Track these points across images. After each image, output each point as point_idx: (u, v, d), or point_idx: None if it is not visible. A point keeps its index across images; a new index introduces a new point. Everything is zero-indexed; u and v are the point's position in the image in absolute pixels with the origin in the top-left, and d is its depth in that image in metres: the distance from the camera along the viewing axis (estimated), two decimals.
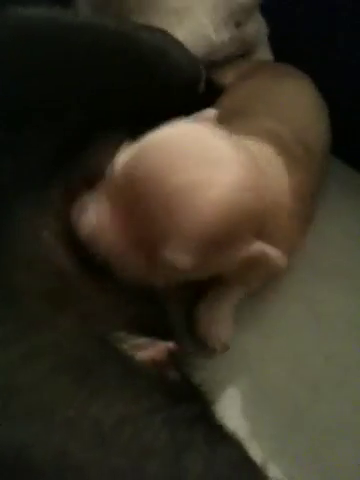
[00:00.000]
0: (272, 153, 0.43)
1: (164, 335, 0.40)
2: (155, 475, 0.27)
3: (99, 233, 0.35)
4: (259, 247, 0.37)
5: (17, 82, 0.36)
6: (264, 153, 0.42)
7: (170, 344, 0.39)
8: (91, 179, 0.38)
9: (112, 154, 0.37)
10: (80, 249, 0.36)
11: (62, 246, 0.37)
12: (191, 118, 0.39)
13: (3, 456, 0.26)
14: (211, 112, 0.39)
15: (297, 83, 0.55)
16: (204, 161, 0.34)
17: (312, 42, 0.59)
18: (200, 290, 0.49)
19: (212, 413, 0.36)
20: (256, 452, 0.34)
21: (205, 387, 0.39)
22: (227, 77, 0.57)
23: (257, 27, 0.58)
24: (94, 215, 0.36)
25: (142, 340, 0.38)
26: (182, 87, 0.37)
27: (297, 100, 0.53)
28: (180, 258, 0.34)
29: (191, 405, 0.34)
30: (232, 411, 0.39)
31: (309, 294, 0.52)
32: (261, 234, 0.38)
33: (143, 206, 0.34)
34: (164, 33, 0.43)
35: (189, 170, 0.33)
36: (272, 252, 0.38)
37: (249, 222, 0.36)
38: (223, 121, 0.46)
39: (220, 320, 0.48)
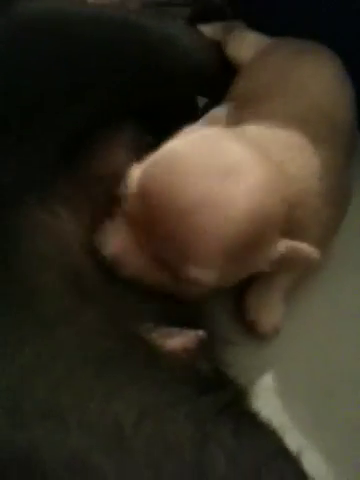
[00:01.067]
0: (295, 136, 0.41)
1: (194, 326, 0.39)
2: (176, 474, 0.27)
3: (121, 258, 0.35)
4: (287, 245, 0.36)
5: (22, 76, 0.35)
6: (285, 139, 0.40)
7: (200, 332, 0.38)
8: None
9: (119, 150, 0.36)
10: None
11: (79, 244, 0.37)
12: (200, 122, 0.38)
13: (13, 458, 0.25)
14: (220, 112, 0.38)
15: (319, 58, 0.52)
16: (218, 171, 0.33)
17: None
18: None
19: (244, 402, 0.35)
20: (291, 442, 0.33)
21: (238, 378, 0.38)
22: (243, 55, 0.55)
23: None
24: (115, 240, 0.36)
25: (172, 329, 0.37)
26: (190, 74, 0.36)
27: (319, 76, 0.50)
28: (204, 274, 0.34)
29: (221, 395, 0.33)
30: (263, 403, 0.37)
31: (333, 290, 0.50)
32: (289, 227, 0.36)
33: (160, 225, 0.33)
34: (174, 19, 0.42)
35: (203, 183, 0.32)
36: (301, 247, 0.37)
37: (272, 225, 0.35)
38: (240, 104, 0.45)
39: (271, 304, 0.47)
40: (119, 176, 0.37)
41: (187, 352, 0.36)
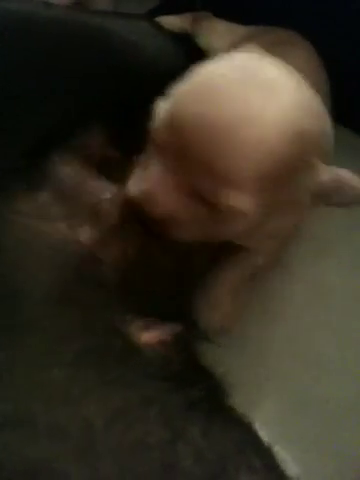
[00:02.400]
0: None
1: (174, 317, 0.39)
2: (145, 474, 0.27)
3: (151, 196, 0.33)
4: (332, 173, 0.33)
5: None
6: None
7: (177, 326, 0.38)
8: None
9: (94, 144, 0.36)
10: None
11: (55, 238, 0.36)
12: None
13: None
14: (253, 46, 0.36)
15: (295, 47, 0.52)
16: (257, 90, 0.31)
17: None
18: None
19: (218, 397, 0.36)
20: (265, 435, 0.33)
21: (214, 369, 0.39)
22: (217, 45, 0.54)
23: None
24: (144, 178, 0.33)
25: (149, 320, 0.37)
26: (158, 78, 0.35)
27: (296, 64, 0.50)
28: (242, 200, 0.31)
29: (193, 391, 0.33)
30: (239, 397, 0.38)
31: (311, 271, 0.50)
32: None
33: (193, 152, 0.30)
34: (142, 23, 0.42)
35: (238, 101, 0.30)
36: (348, 176, 0.33)
37: (312, 146, 0.32)
38: None
39: (214, 302, 0.45)
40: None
41: (163, 345, 0.37)
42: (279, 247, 0.47)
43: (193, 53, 0.51)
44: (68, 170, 0.38)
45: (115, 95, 0.39)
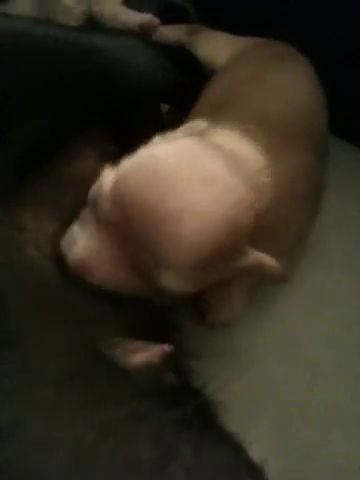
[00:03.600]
0: (271, 140, 0.41)
1: (161, 338, 0.38)
2: None
3: (91, 264, 0.34)
4: (255, 257, 0.36)
5: None
6: (261, 145, 0.40)
7: (165, 346, 0.37)
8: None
9: (84, 159, 0.35)
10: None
11: (43, 256, 0.36)
12: (180, 131, 0.38)
13: None
14: (202, 124, 0.38)
15: (294, 63, 0.52)
16: (194, 183, 0.33)
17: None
18: None
19: (208, 415, 0.35)
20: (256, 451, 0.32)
21: (205, 388, 0.38)
22: (217, 57, 0.54)
23: None
24: (84, 246, 0.34)
25: (137, 343, 0.37)
26: (147, 91, 0.35)
27: (295, 79, 0.50)
28: (176, 281, 0.33)
29: (183, 409, 0.33)
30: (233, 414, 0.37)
31: (304, 276, 0.50)
32: (259, 234, 0.36)
33: (134, 232, 0.32)
34: (132, 40, 0.41)
35: (179, 194, 0.32)
36: (267, 261, 0.37)
37: (243, 235, 0.35)
38: (215, 106, 0.45)
39: (226, 296, 0.47)
40: (85, 183, 0.37)
41: (151, 367, 0.36)
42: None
43: (188, 66, 0.51)
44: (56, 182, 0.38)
45: (105, 107, 0.39)
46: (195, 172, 0.33)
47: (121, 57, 0.40)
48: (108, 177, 0.34)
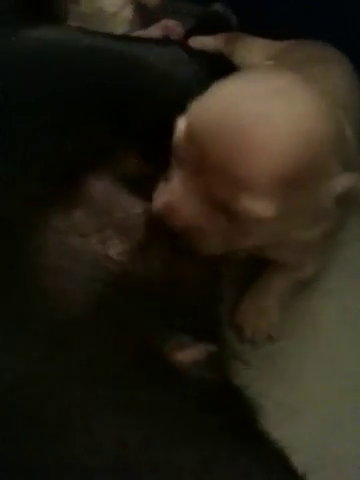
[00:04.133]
0: None
1: (207, 337, 0.39)
2: None
3: (173, 207, 0.34)
4: (351, 179, 0.33)
5: (26, 104, 0.36)
6: None
7: (211, 346, 0.38)
8: None
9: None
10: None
11: (97, 257, 0.36)
12: None
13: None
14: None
15: (331, 59, 0.51)
16: (268, 94, 0.32)
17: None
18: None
19: (250, 419, 0.35)
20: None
21: (246, 390, 0.38)
22: (253, 62, 0.54)
23: None
24: (167, 191, 0.35)
25: (184, 340, 0.37)
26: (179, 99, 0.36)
27: (332, 74, 0.49)
28: (260, 205, 0.31)
29: (227, 412, 0.33)
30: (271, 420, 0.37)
31: (345, 293, 0.49)
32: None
33: (211, 162, 0.31)
34: (175, 50, 0.42)
35: (254, 107, 0.31)
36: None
37: (329, 151, 0.32)
38: None
39: (262, 309, 0.46)
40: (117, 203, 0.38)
41: (197, 365, 0.36)
42: (318, 259, 0.46)
43: (227, 73, 0.51)
44: (102, 187, 0.38)
45: (148, 118, 0.39)
46: (264, 90, 0.32)
47: (165, 68, 0.40)
48: (181, 121, 0.34)
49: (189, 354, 0.36)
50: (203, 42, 0.56)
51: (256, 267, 0.47)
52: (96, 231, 0.37)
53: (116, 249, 0.37)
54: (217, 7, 0.60)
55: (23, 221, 0.35)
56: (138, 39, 0.47)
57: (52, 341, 0.32)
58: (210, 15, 0.60)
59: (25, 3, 0.42)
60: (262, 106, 0.31)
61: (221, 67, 0.52)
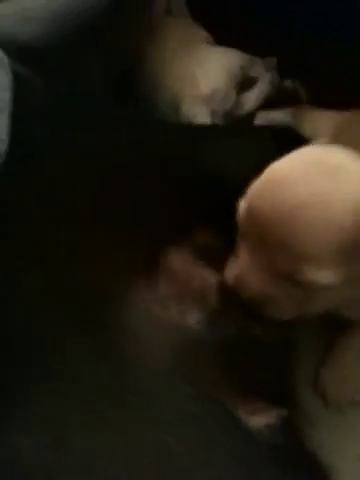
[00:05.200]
0: None
1: (280, 400, 0.40)
2: None
3: (242, 280, 0.37)
4: None
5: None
6: None
7: (283, 410, 0.39)
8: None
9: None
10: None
11: (175, 318, 0.40)
12: None
13: None
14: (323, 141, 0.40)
15: None
16: (322, 172, 0.34)
17: None
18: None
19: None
20: None
21: (321, 452, 0.39)
22: (321, 135, 0.57)
23: None
24: (235, 266, 0.38)
25: (257, 405, 0.39)
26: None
27: None
28: (322, 274, 0.34)
29: (301, 474, 0.34)
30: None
31: None
32: None
33: (271, 236, 0.34)
34: (240, 139, 0.46)
35: (304, 186, 0.33)
36: None
37: None
38: None
39: (344, 373, 0.47)
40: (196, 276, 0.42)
41: (270, 429, 0.38)
42: None
43: (296, 146, 0.55)
44: (180, 260, 0.42)
45: (219, 199, 0.43)
46: (316, 166, 0.34)
47: (220, 164, 0.45)
48: (242, 202, 0.37)
49: (262, 418, 0.38)
50: (270, 117, 0.60)
51: (335, 328, 0.48)
52: (176, 301, 0.41)
53: (194, 318, 0.40)
54: (287, 83, 0.64)
55: (113, 290, 0.39)
56: (205, 131, 0.51)
57: (128, 389, 0.36)
58: (279, 90, 0.64)
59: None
60: (313, 186, 0.33)
61: (289, 141, 0.55)
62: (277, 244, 0.34)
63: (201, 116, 0.59)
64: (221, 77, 0.61)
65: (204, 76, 0.61)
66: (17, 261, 0.37)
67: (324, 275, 0.34)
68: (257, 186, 0.36)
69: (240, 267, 0.38)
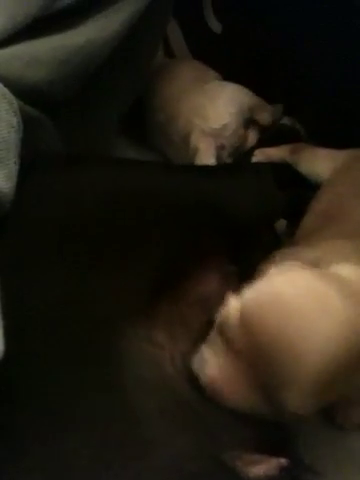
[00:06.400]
0: None
1: (279, 451, 0.40)
2: None
3: (222, 387, 0.37)
4: None
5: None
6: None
7: (282, 460, 0.39)
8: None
9: (208, 279, 0.40)
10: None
11: (176, 371, 0.40)
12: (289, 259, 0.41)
13: None
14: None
15: None
16: (313, 313, 0.35)
17: None
18: None
19: None
20: None
21: None
22: (319, 172, 0.57)
23: None
24: (214, 368, 0.37)
25: (256, 456, 0.38)
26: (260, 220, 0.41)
27: None
28: (298, 402, 0.35)
29: None
30: None
31: None
32: None
33: (260, 357, 0.35)
34: (243, 178, 0.47)
35: (300, 318, 0.35)
36: None
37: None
38: (323, 221, 0.48)
39: (354, 397, 0.46)
40: (210, 304, 0.41)
41: (270, 479, 0.38)
42: None
43: (293, 182, 0.56)
44: (182, 301, 0.43)
45: (223, 236, 0.44)
46: (313, 304, 0.36)
47: (235, 199, 0.45)
48: (233, 305, 0.37)
49: (262, 469, 0.38)
50: (268, 153, 0.60)
51: None
52: (172, 342, 0.41)
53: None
54: (285, 120, 0.65)
55: (113, 326, 0.39)
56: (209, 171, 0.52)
57: (138, 444, 0.35)
58: (279, 128, 0.65)
59: None
60: (309, 321, 0.35)
61: (288, 177, 0.56)
62: (266, 365, 0.35)
63: (207, 149, 0.60)
64: (231, 113, 0.62)
65: (214, 111, 0.62)
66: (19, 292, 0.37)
67: (301, 402, 0.35)
68: (255, 300, 0.37)
69: (220, 370, 0.37)
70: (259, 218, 0.41)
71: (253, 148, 0.62)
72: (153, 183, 0.44)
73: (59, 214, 0.41)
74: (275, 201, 0.48)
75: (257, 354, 0.35)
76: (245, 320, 0.36)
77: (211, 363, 0.38)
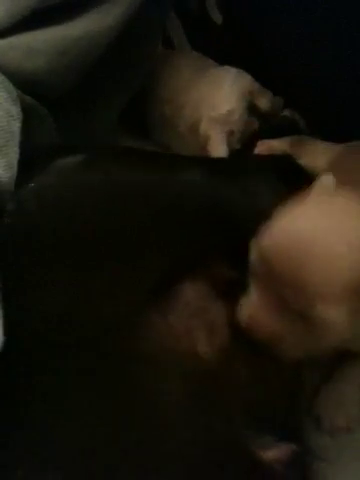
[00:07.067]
0: None
1: (290, 435, 0.41)
2: None
3: (255, 320, 0.39)
4: None
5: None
6: None
7: (294, 446, 0.40)
8: None
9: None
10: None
11: (195, 353, 0.41)
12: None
13: None
14: (329, 179, 0.40)
15: None
16: (329, 221, 0.36)
17: None
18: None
19: None
20: None
21: None
22: (319, 164, 0.58)
23: None
24: (248, 306, 0.39)
25: (268, 439, 0.39)
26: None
27: None
28: (333, 312, 0.35)
29: None
30: None
31: None
32: None
33: (284, 278, 0.36)
34: (252, 183, 0.47)
35: (317, 233, 0.35)
36: None
37: None
38: None
39: (341, 400, 0.47)
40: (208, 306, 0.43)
41: (279, 463, 0.39)
42: None
43: (296, 175, 0.55)
44: (194, 293, 0.43)
45: (233, 233, 0.44)
46: (328, 216, 0.37)
47: (250, 209, 0.45)
48: (255, 243, 0.38)
49: (272, 453, 0.39)
50: (270, 145, 0.60)
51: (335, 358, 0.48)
52: (186, 331, 0.41)
53: (203, 348, 0.41)
54: (286, 112, 0.65)
55: (128, 321, 0.40)
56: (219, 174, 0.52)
57: (157, 427, 0.36)
58: (279, 120, 0.66)
59: None
60: (326, 231, 0.35)
61: (290, 170, 0.56)
62: (289, 284, 0.36)
63: (217, 136, 0.61)
64: (237, 97, 0.63)
65: (221, 97, 0.63)
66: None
67: (334, 312, 0.35)
68: (269, 230, 0.38)
69: (252, 307, 0.39)
70: (259, 218, 0.41)
71: (254, 139, 0.62)
72: (153, 183, 0.43)
73: (59, 214, 0.41)
74: (276, 201, 0.48)
75: (281, 278, 0.36)
76: (262, 248, 0.37)
77: (247, 305, 0.39)
